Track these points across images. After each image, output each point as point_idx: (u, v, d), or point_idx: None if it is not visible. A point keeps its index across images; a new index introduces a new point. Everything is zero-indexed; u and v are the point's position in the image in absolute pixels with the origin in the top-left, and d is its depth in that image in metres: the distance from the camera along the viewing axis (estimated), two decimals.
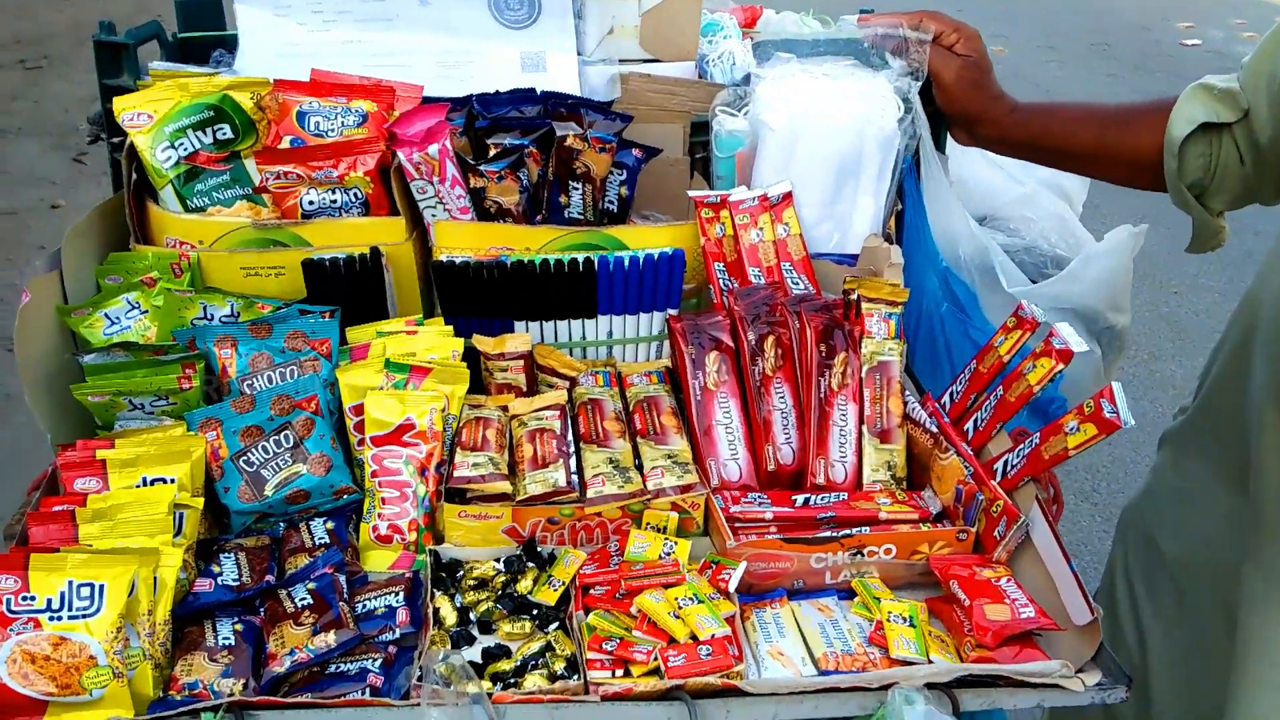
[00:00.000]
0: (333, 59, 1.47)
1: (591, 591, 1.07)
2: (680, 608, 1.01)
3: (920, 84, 1.51)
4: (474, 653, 1.03)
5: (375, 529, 1.16)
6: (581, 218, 1.32)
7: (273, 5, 1.48)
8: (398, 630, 1.02)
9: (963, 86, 1.53)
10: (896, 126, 1.40)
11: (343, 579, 1.05)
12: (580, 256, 1.28)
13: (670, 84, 1.51)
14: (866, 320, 1.30)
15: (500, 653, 1.02)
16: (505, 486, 1.12)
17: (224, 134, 1.29)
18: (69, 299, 1.24)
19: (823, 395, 1.27)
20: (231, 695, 0.94)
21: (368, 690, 0.94)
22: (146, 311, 1.21)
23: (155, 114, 1.26)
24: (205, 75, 1.37)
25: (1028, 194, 1.78)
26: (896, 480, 1.26)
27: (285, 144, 1.28)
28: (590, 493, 1.11)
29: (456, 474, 1.12)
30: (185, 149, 1.27)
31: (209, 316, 1.20)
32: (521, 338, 1.25)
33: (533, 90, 1.38)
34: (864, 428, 1.27)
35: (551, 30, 1.49)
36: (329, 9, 1.48)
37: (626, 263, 1.28)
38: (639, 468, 1.16)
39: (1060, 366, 1.18)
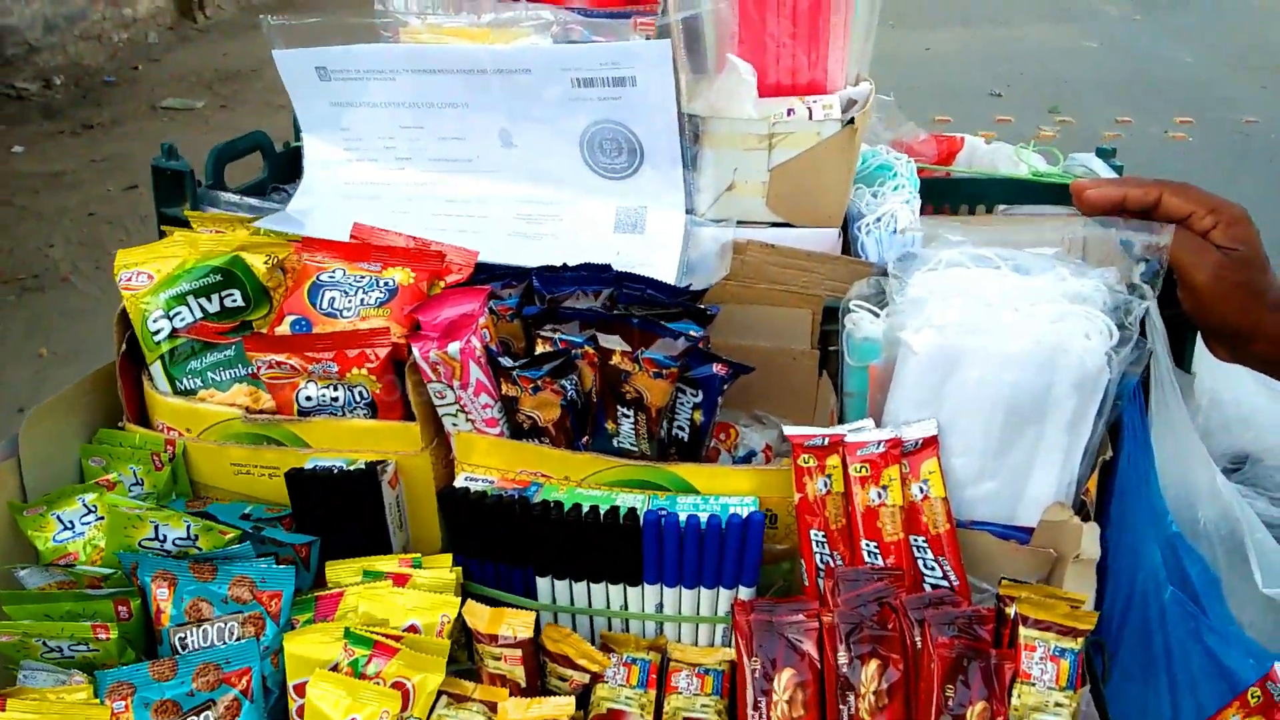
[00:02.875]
0: (400, 204, 1.24)
1: None
2: None
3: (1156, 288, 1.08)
4: None
5: None
6: (635, 449, 0.99)
7: (342, 137, 1.27)
8: None
9: (1223, 291, 1.08)
10: (1105, 362, 0.97)
11: None
12: (624, 506, 0.95)
13: (800, 258, 1.16)
14: (1025, 656, 0.88)
15: None
16: None
17: (234, 301, 1.08)
18: (38, 480, 1.06)
19: None
20: None
21: None
22: (103, 518, 1.00)
23: (156, 274, 1.07)
24: (240, 220, 1.17)
25: None
26: None
27: (286, 326, 1.04)
28: None
29: None
30: (183, 319, 1.07)
31: (160, 538, 0.98)
32: (523, 619, 0.94)
33: (606, 268, 1.08)
34: None
35: (654, 182, 1.19)
36: (403, 145, 1.25)
37: (683, 522, 0.94)
38: None
39: None
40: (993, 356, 0.97)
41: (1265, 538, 1.13)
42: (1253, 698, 0.83)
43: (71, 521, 1.01)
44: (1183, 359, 1.22)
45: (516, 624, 0.94)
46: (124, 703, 0.89)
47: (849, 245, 1.24)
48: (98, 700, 0.89)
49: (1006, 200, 1.41)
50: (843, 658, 0.89)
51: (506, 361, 0.99)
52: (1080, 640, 0.89)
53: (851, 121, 1.15)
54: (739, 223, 1.21)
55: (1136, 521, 1.18)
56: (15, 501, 1.02)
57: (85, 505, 1.01)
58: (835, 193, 1.18)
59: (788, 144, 1.16)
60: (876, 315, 1.07)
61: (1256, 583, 1.11)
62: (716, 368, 0.98)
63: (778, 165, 1.16)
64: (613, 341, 0.95)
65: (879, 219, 1.22)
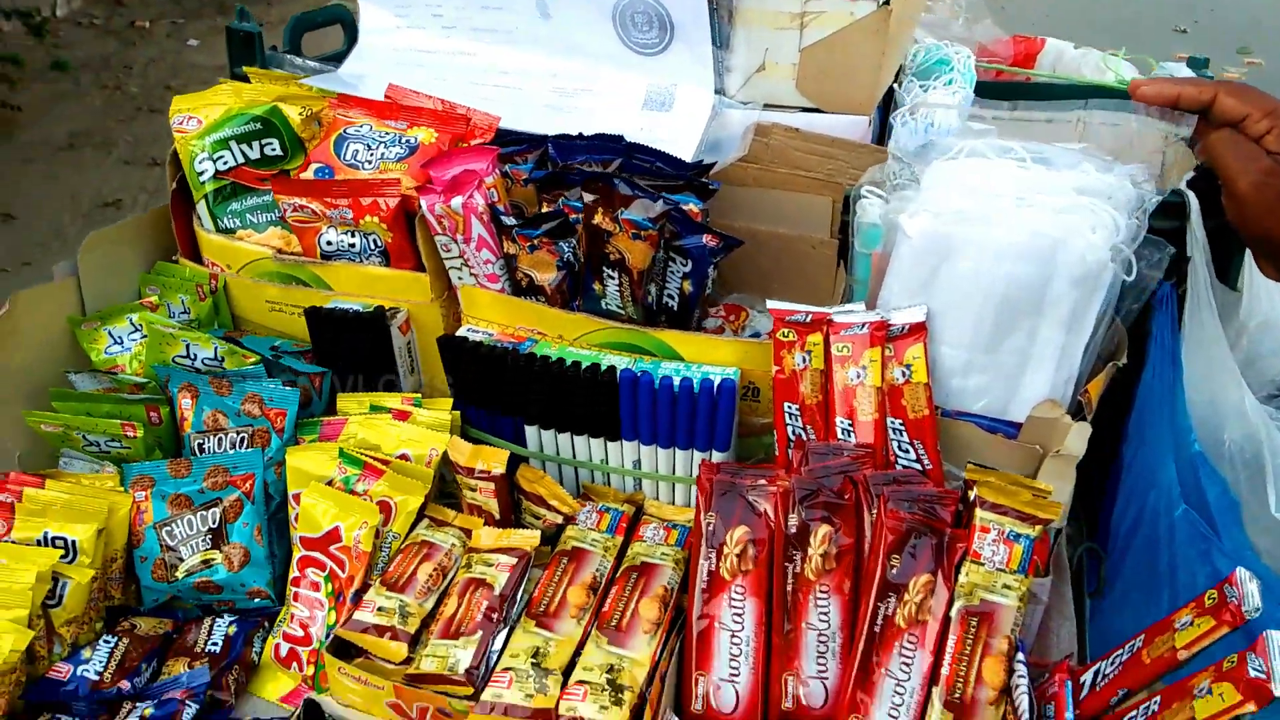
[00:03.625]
0: (442, 71, 1.29)
1: None
2: None
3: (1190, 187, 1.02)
4: None
5: (277, 648, 0.98)
6: (621, 312, 1.02)
7: (395, 3, 1.32)
8: None
9: (1268, 200, 1.02)
10: (1107, 259, 0.94)
11: (191, 710, 0.88)
12: (604, 364, 0.99)
13: (824, 144, 1.15)
14: (978, 536, 0.88)
15: None
16: (398, 651, 0.88)
17: (272, 150, 1.16)
18: (98, 302, 1.17)
19: (879, 627, 0.88)
20: None
21: None
22: (147, 336, 1.11)
23: (205, 120, 1.16)
24: (295, 78, 1.24)
25: None
26: None
27: (310, 172, 1.11)
28: (488, 694, 0.84)
29: (354, 616, 0.90)
30: (225, 163, 1.15)
31: (191, 356, 1.08)
32: (498, 456, 0.99)
33: (619, 138, 1.10)
34: (934, 691, 0.87)
35: (684, 60, 1.19)
36: (449, 14, 1.29)
37: (657, 383, 0.97)
38: (567, 673, 0.86)
39: (1249, 709, 0.71)
40: (988, 246, 0.95)
41: None
42: (1209, 599, 0.81)
43: (120, 337, 1.12)
44: (1228, 275, 1.15)
45: (491, 460, 0.99)
46: (144, 493, 1.00)
47: (878, 142, 1.21)
48: (123, 489, 1.00)
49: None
50: (793, 519, 0.91)
51: (507, 219, 1.03)
52: (1038, 528, 0.88)
53: (888, 2, 1.12)
54: (768, 106, 1.20)
55: (1156, 437, 1.14)
56: (74, 316, 1.14)
57: (133, 324, 1.12)
58: (867, 78, 1.16)
59: (820, 23, 1.14)
60: (885, 200, 1.05)
61: (1272, 510, 1.06)
62: (706, 239, 0.99)
63: (809, 45, 1.15)
64: (595, 200, 0.97)
65: (914, 110, 1.19)
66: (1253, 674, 0.71)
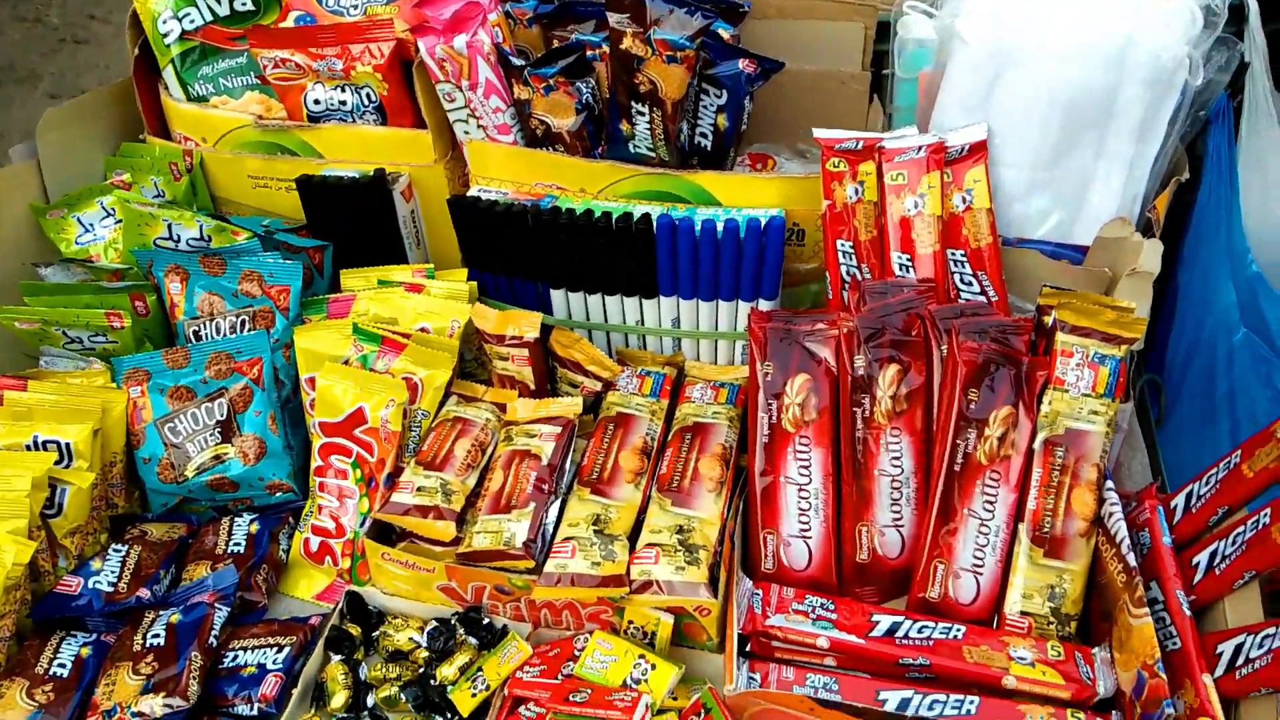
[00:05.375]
0: None
1: (521, 710, 0.74)
2: None
3: None
4: None
5: (307, 543, 0.90)
6: (651, 155, 0.93)
7: None
8: (255, 706, 0.76)
9: None
10: (1185, 54, 0.86)
11: (222, 613, 0.81)
12: (638, 212, 0.90)
13: None
14: (1061, 361, 0.82)
15: None
16: (445, 530, 0.81)
17: (243, 4, 1.03)
18: (61, 187, 1.05)
19: (959, 466, 0.82)
20: None
21: None
22: (121, 221, 1.00)
23: None
24: None
25: None
26: (1061, 619, 0.80)
27: (290, 21, 0.99)
28: (551, 565, 0.77)
29: (392, 499, 0.83)
30: (192, 20, 1.03)
31: (174, 238, 0.97)
32: (529, 319, 0.91)
33: None
34: (1021, 528, 0.81)
35: None
36: None
37: (698, 228, 0.89)
38: (634, 538, 0.80)
39: None
40: (1052, 49, 0.87)
41: None
42: None
43: (91, 224, 1.01)
44: None
45: (523, 323, 0.91)
46: (140, 388, 0.91)
47: None
48: (115, 385, 0.91)
49: None
50: (860, 360, 0.84)
51: (516, 60, 0.92)
52: (1124, 348, 0.82)
53: None
54: None
55: (1212, 259, 1.08)
56: (37, 203, 1.02)
57: (104, 208, 1.01)
58: None
59: None
60: (931, 15, 0.96)
61: None
62: (743, 63, 0.90)
63: None
64: (623, 22, 0.86)
65: None
66: None
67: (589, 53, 0.93)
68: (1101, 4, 0.86)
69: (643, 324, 0.97)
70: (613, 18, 0.86)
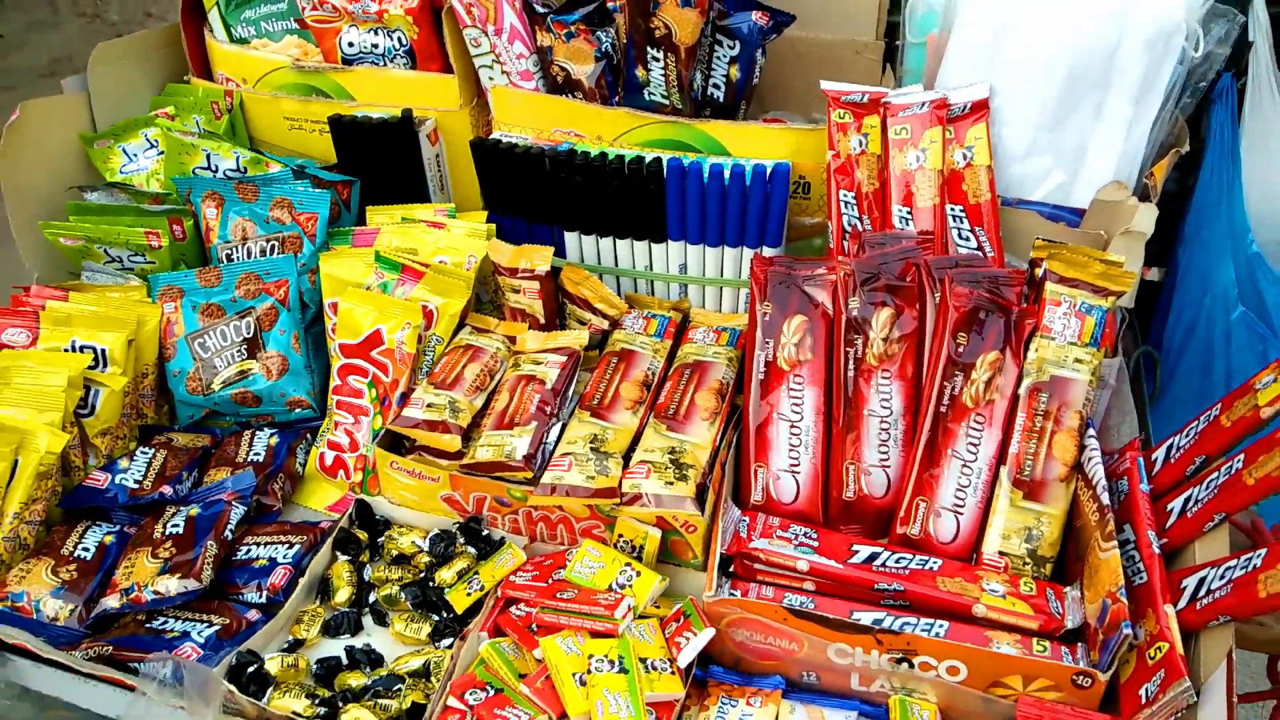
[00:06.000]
0: None
1: (511, 610, 0.79)
2: (592, 671, 0.70)
3: None
4: (342, 646, 0.80)
5: (322, 457, 0.95)
6: (665, 103, 0.97)
7: None
8: (264, 594, 0.81)
9: None
10: (1182, 18, 0.88)
11: (239, 511, 0.86)
12: (650, 157, 0.94)
13: None
14: (1049, 310, 0.85)
15: (362, 660, 0.78)
16: (451, 442, 0.85)
17: None
18: (109, 122, 1.11)
19: (946, 408, 0.85)
20: (55, 619, 0.78)
21: (169, 667, 0.74)
22: (163, 152, 1.06)
23: None
24: None
25: None
26: (1037, 560, 0.83)
27: None
28: (548, 476, 0.82)
29: (403, 413, 0.87)
30: None
31: (212, 168, 1.03)
32: (542, 253, 0.95)
33: None
34: (1002, 470, 0.84)
35: None
36: None
37: (706, 174, 0.92)
38: (628, 457, 0.84)
39: None
40: (1055, 9, 0.90)
41: None
42: None
43: (135, 154, 1.07)
44: None
45: (535, 257, 0.95)
46: (174, 304, 0.96)
47: None
48: (151, 300, 0.97)
49: None
50: (854, 302, 0.87)
51: (540, 8, 0.97)
52: (1111, 300, 0.84)
53: None
54: None
55: (1212, 238, 1.10)
56: (85, 133, 1.08)
57: (148, 140, 1.07)
58: None
59: None
60: None
61: None
62: (756, 15, 0.94)
63: None
64: None
65: None
66: None
67: (610, 3, 0.97)
68: None
69: (651, 269, 1.01)
70: None
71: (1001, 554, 0.83)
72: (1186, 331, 1.13)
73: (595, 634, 0.73)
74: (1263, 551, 0.69)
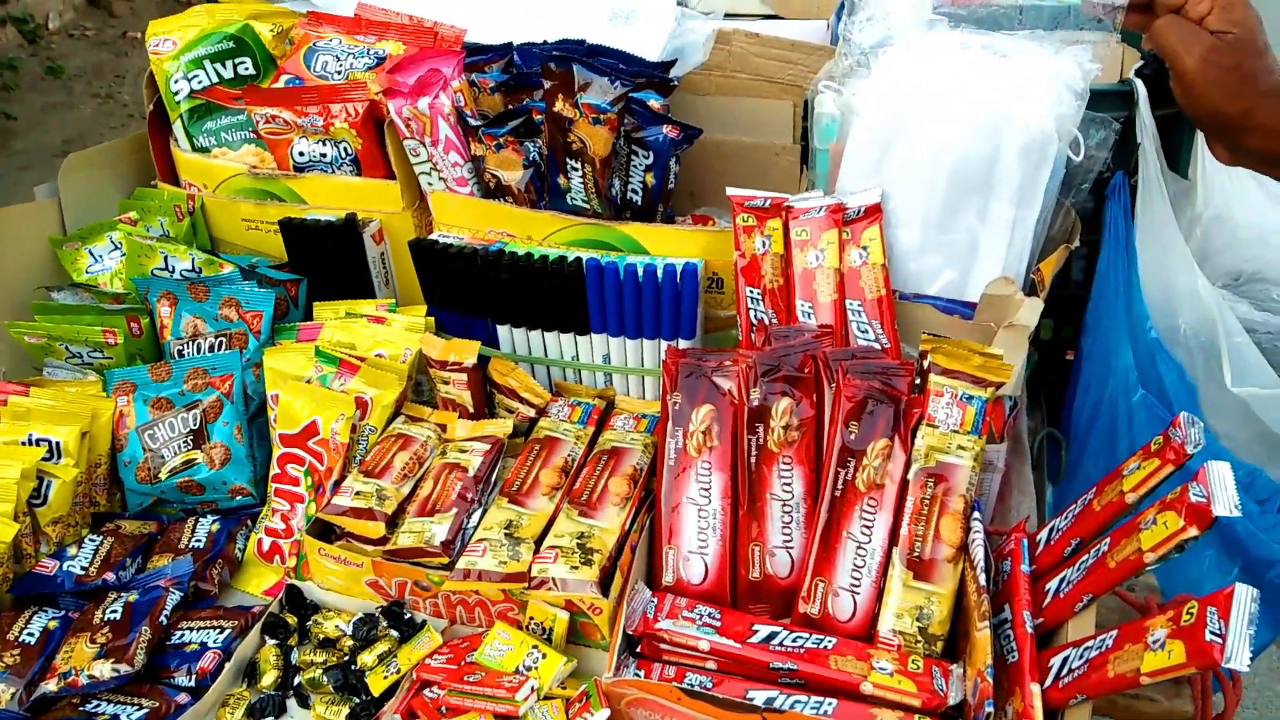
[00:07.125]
0: None
1: (425, 692, 0.83)
2: None
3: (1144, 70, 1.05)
4: None
5: (260, 543, 1.00)
6: (586, 207, 1.04)
7: None
8: (193, 678, 0.86)
9: (1211, 76, 1.03)
10: (1053, 129, 0.96)
11: (175, 597, 0.91)
12: (571, 256, 1.02)
13: (784, 48, 1.18)
14: (933, 400, 0.91)
15: None
16: (375, 529, 0.91)
17: (245, 69, 1.18)
18: (79, 225, 1.19)
19: (840, 492, 0.91)
20: None
21: None
22: (126, 254, 1.13)
23: (180, 40, 1.17)
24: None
25: None
26: (928, 638, 0.88)
27: (281, 83, 1.13)
28: (463, 561, 0.87)
29: (333, 501, 0.93)
30: (200, 81, 1.17)
31: (170, 269, 1.10)
32: (469, 347, 1.02)
33: (581, 43, 1.12)
34: (895, 551, 0.89)
35: None
36: None
37: (622, 271, 1.00)
38: (540, 542, 0.89)
39: (1191, 533, 0.74)
40: (937, 120, 0.98)
41: (1244, 341, 1.10)
42: (1154, 444, 0.84)
43: (100, 255, 1.15)
44: (1178, 164, 1.17)
45: (463, 351, 1.02)
46: (126, 397, 1.03)
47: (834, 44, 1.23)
48: (105, 394, 1.03)
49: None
50: (755, 393, 0.94)
51: (473, 120, 1.05)
52: (990, 390, 0.91)
53: None
54: (729, 15, 1.22)
55: (1113, 325, 1.17)
56: (55, 236, 1.16)
57: (112, 242, 1.15)
58: None
59: None
60: (839, 93, 1.08)
61: (1227, 385, 1.09)
62: (666, 129, 1.02)
63: None
64: (554, 87, 0.99)
65: (871, 15, 1.21)
66: (1194, 499, 0.74)
67: (535, 116, 1.05)
68: (980, 83, 0.97)
69: (578, 359, 1.08)
70: (546, 83, 0.99)
71: (895, 632, 0.88)
72: (1092, 412, 1.19)
73: (499, 716, 0.78)
74: (1114, 633, 0.74)
